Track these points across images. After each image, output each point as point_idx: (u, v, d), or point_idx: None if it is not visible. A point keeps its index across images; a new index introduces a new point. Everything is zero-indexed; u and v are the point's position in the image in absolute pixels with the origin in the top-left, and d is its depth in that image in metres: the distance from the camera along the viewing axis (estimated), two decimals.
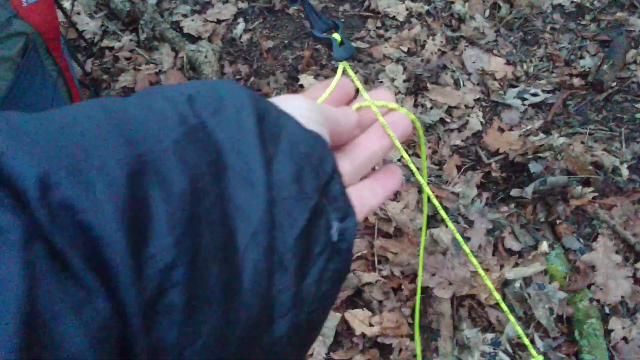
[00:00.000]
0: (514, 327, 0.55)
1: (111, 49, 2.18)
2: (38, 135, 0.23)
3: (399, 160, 1.77)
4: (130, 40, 2.21)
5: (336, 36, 0.51)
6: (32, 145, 0.23)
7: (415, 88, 1.95)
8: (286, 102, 0.36)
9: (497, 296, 0.57)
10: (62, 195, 0.22)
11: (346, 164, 0.45)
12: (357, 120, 0.43)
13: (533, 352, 0.57)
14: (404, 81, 1.96)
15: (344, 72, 0.50)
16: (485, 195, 1.70)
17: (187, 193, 0.25)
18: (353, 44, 2.12)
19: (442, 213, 0.52)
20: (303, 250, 0.29)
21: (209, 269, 0.25)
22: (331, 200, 0.32)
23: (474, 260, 0.54)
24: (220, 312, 0.26)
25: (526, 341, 0.58)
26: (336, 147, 0.41)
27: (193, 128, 0.28)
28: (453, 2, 2.25)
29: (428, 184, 1.72)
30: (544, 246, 1.58)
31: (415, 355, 1.42)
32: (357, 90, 0.48)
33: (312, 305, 0.30)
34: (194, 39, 2.20)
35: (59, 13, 1.54)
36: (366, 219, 1.65)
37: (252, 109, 0.30)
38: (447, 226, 1.60)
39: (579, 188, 1.67)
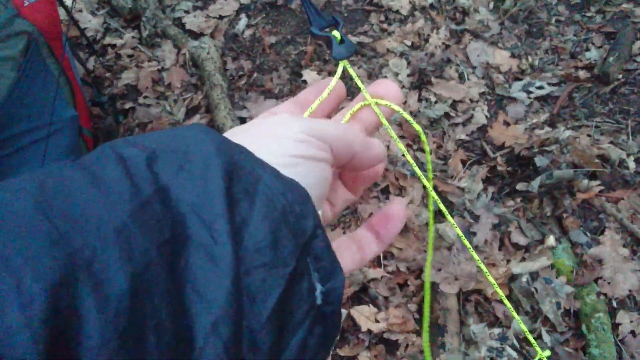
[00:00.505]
0: (519, 325, 0.54)
1: (113, 46, 2.17)
2: None
3: (402, 155, 1.76)
4: (133, 37, 2.20)
5: (336, 34, 0.49)
6: None
7: (420, 82, 1.93)
8: (269, 129, 0.34)
9: (501, 294, 0.56)
10: None
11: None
12: (383, 154, 0.40)
13: (538, 350, 0.56)
14: (408, 75, 1.95)
15: (345, 71, 0.49)
16: (491, 189, 1.69)
17: (126, 294, 0.21)
18: (356, 38, 2.10)
19: (444, 209, 0.51)
20: (280, 322, 0.26)
21: None
22: (314, 259, 0.28)
23: (476, 256, 0.53)
24: None
25: (531, 339, 0.57)
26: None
27: (147, 200, 0.24)
28: None
29: (433, 179, 1.71)
30: (551, 240, 1.56)
31: (422, 351, 1.41)
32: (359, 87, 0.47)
33: None
34: (196, 35, 2.19)
35: (61, 11, 1.53)
36: (371, 215, 1.64)
37: (222, 162, 0.27)
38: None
39: (586, 181, 1.66)
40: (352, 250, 0.41)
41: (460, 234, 0.52)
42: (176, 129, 0.30)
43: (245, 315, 0.24)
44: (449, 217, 0.51)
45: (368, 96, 0.50)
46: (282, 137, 0.33)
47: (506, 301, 0.57)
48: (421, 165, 1.75)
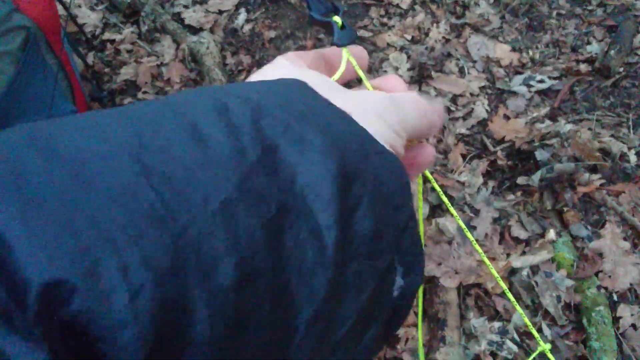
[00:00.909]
0: (522, 317, 0.54)
1: (112, 41, 2.17)
2: (51, 207, 0.17)
3: None
4: (132, 32, 2.20)
5: (337, 19, 0.49)
6: (44, 231, 0.16)
7: (420, 76, 1.93)
8: (372, 107, 0.28)
9: (504, 286, 0.56)
10: (71, 312, 0.16)
11: None
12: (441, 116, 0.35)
13: (541, 342, 0.56)
14: (408, 70, 1.94)
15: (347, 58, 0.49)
16: (491, 183, 1.69)
17: (234, 285, 0.18)
18: (357, 32, 2.10)
19: (445, 200, 0.51)
20: (365, 318, 0.24)
21: None
22: (401, 253, 0.26)
23: (479, 249, 0.53)
24: None
25: (534, 331, 0.57)
26: None
27: (254, 165, 0.20)
28: None
29: (432, 173, 1.71)
30: (551, 234, 1.56)
31: (423, 345, 1.41)
32: (360, 80, 0.46)
33: None
34: (195, 30, 2.19)
35: (59, 6, 1.53)
36: None
37: (332, 125, 0.23)
38: (452, 215, 1.59)
39: (587, 175, 1.66)
40: None
41: (464, 226, 0.52)
42: (276, 82, 0.26)
43: (340, 307, 0.22)
44: (451, 209, 0.50)
45: (369, 85, 0.49)
46: (387, 124, 0.28)
47: (509, 294, 0.57)
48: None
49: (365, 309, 0.23)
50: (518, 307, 0.53)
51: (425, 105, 0.32)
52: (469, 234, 0.51)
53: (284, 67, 0.33)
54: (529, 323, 0.59)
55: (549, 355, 0.57)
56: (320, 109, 0.24)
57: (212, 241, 0.18)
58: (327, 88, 0.30)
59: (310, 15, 0.50)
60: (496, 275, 0.54)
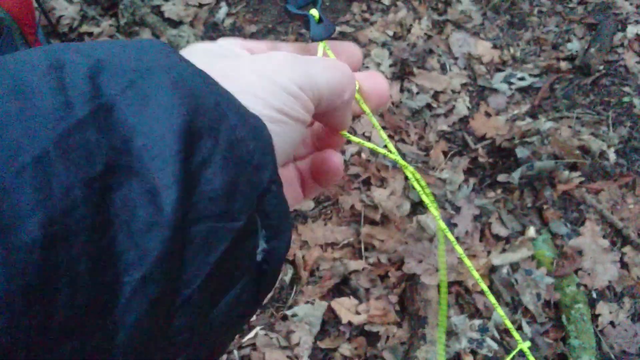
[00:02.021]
0: (500, 316, 0.53)
1: (90, 34, 2.13)
2: None
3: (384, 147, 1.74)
4: (110, 25, 2.15)
5: (314, 12, 0.47)
6: None
7: (402, 73, 1.92)
8: (259, 68, 0.29)
9: (485, 287, 0.55)
10: None
11: None
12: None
13: (519, 339, 0.55)
14: (390, 66, 1.93)
15: (325, 54, 0.47)
16: (472, 180, 1.68)
17: (37, 244, 0.17)
18: (338, 28, 2.08)
19: (426, 199, 0.50)
20: (217, 280, 0.23)
21: (61, 346, 0.18)
22: (263, 216, 0.25)
23: (460, 249, 0.52)
24: None
25: (512, 329, 0.56)
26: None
27: (80, 121, 0.19)
28: None
29: (415, 169, 1.70)
30: (531, 231, 1.57)
31: (402, 343, 1.41)
32: None
33: (217, 334, 0.25)
34: (175, 23, 2.15)
35: None
36: (352, 206, 1.63)
37: (183, 83, 0.23)
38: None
39: (566, 173, 1.66)
40: (294, 187, 0.38)
41: (444, 227, 0.51)
42: (131, 41, 0.25)
43: (183, 269, 0.21)
44: (434, 210, 0.49)
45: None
46: (273, 84, 0.28)
47: (490, 295, 0.56)
48: (403, 156, 1.74)
49: (217, 271, 0.23)
50: (499, 309, 0.52)
51: (334, 61, 0.32)
52: (449, 235, 0.50)
53: (215, 44, 0.33)
54: (509, 325, 0.58)
55: (528, 353, 0.56)
56: (174, 66, 0.23)
57: (16, 197, 0.17)
58: (223, 53, 0.30)
59: (285, 8, 0.48)
60: (477, 277, 0.53)
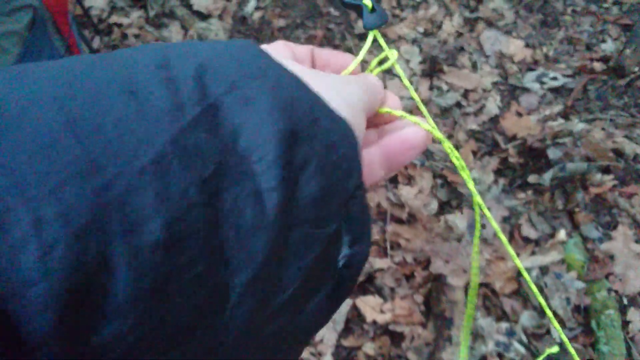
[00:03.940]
0: (543, 308, 0.51)
1: (119, 25, 2.13)
2: None
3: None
4: (139, 16, 2.16)
5: (367, 1, 0.47)
6: None
7: (431, 70, 1.89)
8: (335, 84, 0.28)
9: (526, 275, 0.53)
10: None
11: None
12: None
13: (557, 327, 0.53)
14: (420, 63, 1.91)
15: (375, 41, 0.46)
16: (501, 181, 1.66)
17: (160, 245, 0.18)
18: (387, 15, 2.07)
19: (478, 200, 0.48)
20: (307, 285, 0.23)
21: (178, 347, 0.19)
22: (348, 222, 0.25)
23: (510, 249, 0.50)
24: None
25: (554, 322, 0.54)
26: None
27: (192, 121, 0.20)
28: None
29: (443, 169, 1.68)
30: (562, 234, 1.53)
31: (427, 344, 1.39)
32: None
33: (298, 340, 0.25)
34: (204, 16, 2.15)
35: None
36: (378, 204, 1.61)
37: (282, 87, 0.23)
38: (462, 212, 1.56)
39: (599, 175, 1.63)
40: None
41: (497, 228, 0.49)
42: (230, 42, 0.25)
43: (282, 273, 0.22)
44: (486, 211, 0.47)
45: (408, 83, 0.47)
46: (350, 107, 0.28)
47: (531, 283, 0.54)
48: (431, 155, 1.72)
49: (308, 276, 0.23)
50: (540, 300, 0.50)
51: (364, 78, 0.33)
52: (501, 235, 0.48)
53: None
54: (551, 316, 0.56)
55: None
56: (271, 69, 0.24)
57: (139, 197, 0.18)
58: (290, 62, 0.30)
59: None
60: (524, 272, 0.51)
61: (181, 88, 0.20)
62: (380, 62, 0.44)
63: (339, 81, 0.30)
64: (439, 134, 0.46)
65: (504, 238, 0.47)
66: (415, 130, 0.37)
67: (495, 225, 0.47)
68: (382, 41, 0.46)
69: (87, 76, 0.20)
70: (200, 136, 0.20)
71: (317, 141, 0.23)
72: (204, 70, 0.21)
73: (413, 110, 1.78)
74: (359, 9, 0.47)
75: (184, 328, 0.19)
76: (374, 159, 0.38)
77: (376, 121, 0.38)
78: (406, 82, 0.46)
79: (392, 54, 0.44)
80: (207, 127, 0.20)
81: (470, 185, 0.47)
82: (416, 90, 1.84)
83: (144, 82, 0.20)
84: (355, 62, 0.42)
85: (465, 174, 0.46)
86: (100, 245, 0.17)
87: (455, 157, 0.47)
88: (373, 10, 0.46)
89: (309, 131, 0.23)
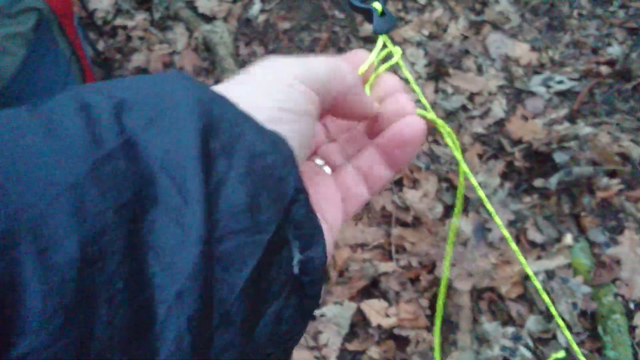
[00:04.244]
0: (552, 313, 0.51)
1: (124, 27, 2.13)
2: None
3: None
4: (144, 19, 2.16)
5: (377, 5, 0.46)
6: None
7: (437, 73, 1.89)
8: (264, 76, 0.30)
9: (535, 280, 0.53)
10: None
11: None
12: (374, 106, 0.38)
13: (566, 333, 0.53)
14: (425, 66, 1.90)
15: (384, 46, 0.46)
16: (507, 185, 1.65)
17: (75, 262, 0.19)
18: (396, 19, 2.06)
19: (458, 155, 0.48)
20: (255, 294, 0.24)
21: None
22: (293, 226, 0.26)
23: (519, 253, 0.50)
24: None
25: (561, 322, 0.54)
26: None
27: (108, 155, 0.21)
28: None
29: (448, 172, 1.68)
30: (568, 239, 1.53)
31: (432, 348, 1.38)
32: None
33: (265, 353, 0.25)
34: (208, 19, 2.15)
35: None
36: (383, 207, 1.61)
37: (199, 114, 0.24)
38: (468, 216, 1.55)
39: (605, 179, 1.62)
40: (335, 201, 0.37)
41: (507, 234, 0.49)
42: (151, 76, 0.26)
43: (217, 286, 0.22)
44: (496, 218, 0.47)
45: (416, 87, 0.46)
46: (276, 84, 0.29)
47: (543, 294, 0.53)
48: (437, 158, 1.71)
49: (252, 285, 0.23)
50: (557, 316, 0.50)
51: (335, 60, 0.34)
52: (512, 244, 0.47)
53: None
54: (556, 315, 0.55)
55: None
56: (191, 96, 0.25)
57: (54, 220, 0.19)
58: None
59: (350, 1, 0.47)
60: (531, 275, 0.50)
61: (99, 125, 0.22)
62: (384, 60, 0.44)
63: (283, 63, 0.31)
64: (432, 116, 0.46)
65: (513, 245, 0.46)
66: (408, 122, 0.37)
67: (504, 231, 0.47)
68: (390, 45, 0.46)
69: (8, 119, 0.21)
70: (118, 165, 0.21)
71: (239, 154, 0.24)
72: (122, 109, 0.23)
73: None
74: (368, 13, 0.46)
75: (108, 347, 0.19)
76: (374, 160, 0.38)
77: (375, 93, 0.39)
78: (415, 87, 0.46)
79: (396, 52, 0.44)
80: (126, 158, 0.21)
81: (459, 159, 0.47)
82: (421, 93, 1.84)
83: (62, 122, 0.22)
84: (364, 65, 0.42)
85: (458, 154, 0.47)
86: (10, 265, 0.18)
87: (446, 132, 0.47)
88: (382, 14, 0.46)
89: (227, 146, 0.24)
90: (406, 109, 0.38)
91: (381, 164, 0.38)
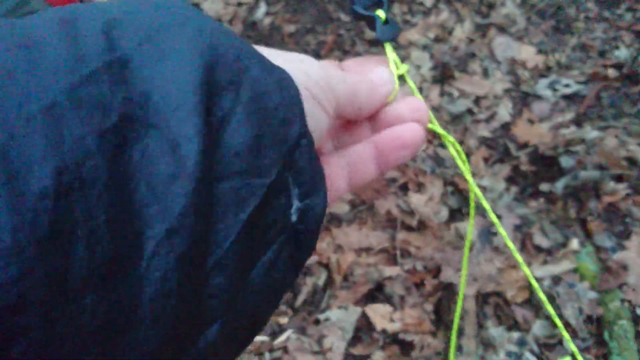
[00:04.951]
0: (552, 316, 0.50)
1: None
2: None
3: (422, 150, 1.71)
4: None
5: (380, 13, 0.46)
6: None
7: (442, 76, 1.88)
8: (292, 56, 0.29)
9: (534, 283, 0.52)
10: None
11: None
12: (388, 90, 0.36)
13: (567, 336, 0.52)
14: (430, 69, 1.90)
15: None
16: (513, 189, 1.64)
17: (49, 192, 0.17)
18: (400, 27, 2.05)
19: (487, 207, 0.47)
20: (251, 239, 0.23)
21: (80, 299, 0.18)
22: (294, 173, 0.25)
23: (517, 255, 0.49)
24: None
25: (564, 331, 0.53)
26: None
27: (92, 73, 0.19)
28: None
29: (454, 176, 1.67)
30: (575, 244, 1.51)
31: (438, 353, 1.37)
32: None
33: (256, 301, 0.24)
34: None
35: None
36: (388, 211, 1.60)
37: (204, 40, 0.22)
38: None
39: (612, 184, 1.61)
40: (341, 167, 0.36)
41: (505, 236, 0.48)
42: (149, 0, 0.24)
43: (212, 228, 0.21)
44: (469, 177, 0.47)
45: (419, 95, 0.46)
46: (304, 74, 0.28)
47: (542, 296, 0.53)
48: (442, 161, 1.71)
49: (249, 230, 0.22)
50: (556, 319, 0.49)
51: (354, 77, 0.33)
52: (517, 256, 0.47)
53: None
54: (565, 331, 0.55)
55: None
56: (192, 19, 0.23)
57: (25, 145, 0.17)
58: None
59: (352, 8, 0.47)
60: (534, 284, 0.50)
61: (84, 42, 0.20)
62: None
63: (309, 60, 0.30)
64: (443, 131, 0.46)
65: (517, 255, 0.46)
66: (411, 128, 0.37)
67: (508, 242, 0.46)
68: (394, 54, 0.46)
69: None
70: (102, 88, 0.19)
71: (244, 90, 0.22)
72: (114, 25, 0.21)
73: None
74: (371, 21, 0.46)
75: (87, 281, 0.18)
76: (366, 155, 0.37)
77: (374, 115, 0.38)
78: (418, 96, 0.45)
79: (404, 68, 0.44)
80: (112, 79, 0.19)
81: (470, 182, 0.47)
82: (427, 97, 1.83)
83: (42, 36, 0.19)
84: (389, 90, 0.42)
85: (443, 135, 0.46)
86: None
87: (456, 150, 0.47)
88: (386, 22, 0.45)
89: (234, 79, 0.22)
90: (420, 112, 0.37)
91: (371, 162, 0.37)
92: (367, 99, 0.34)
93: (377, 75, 0.37)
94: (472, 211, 0.53)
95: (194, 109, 0.20)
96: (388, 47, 0.45)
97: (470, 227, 0.54)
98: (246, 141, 0.22)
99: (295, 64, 0.28)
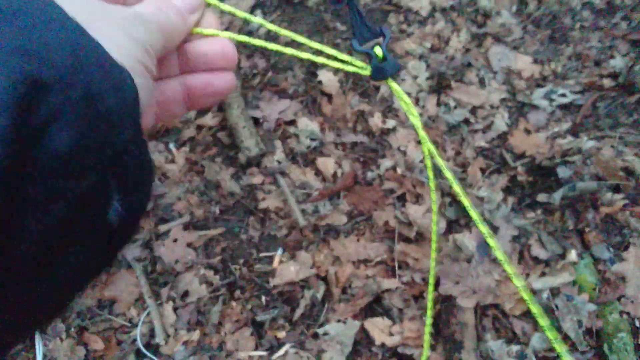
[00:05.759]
0: (544, 329, 0.49)
1: None
2: None
3: (420, 162, 1.70)
4: None
5: (377, 51, 0.45)
6: None
7: (439, 86, 1.88)
8: (119, 21, 0.28)
9: (525, 294, 0.52)
10: None
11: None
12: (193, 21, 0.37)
13: (559, 349, 0.52)
14: (427, 79, 1.89)
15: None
16: (510, 200, 1.64)
17: None
18: (400, 64, 2.05)
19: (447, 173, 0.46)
20: (61, 238, 0.23)
21: None
22: (119, 177, 0.25)
23: (508, 268, 0.48)
24: None
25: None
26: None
27: None
28: None
29: (451, 187, 1.66)
30: (573, 255, 1.51)
31: None
32: None
33: (60, 285, 0.25)
34: None
35: None
36: (386, 223, 1.59)
37: (31, 33, 0.22)
38: (471, 232, 1.54)
39: (609, 194, 1.61)
40: (177, 101, 0.37)
41: (496, 246, 0.47)
42: None
43: (21, 224, 0.20)
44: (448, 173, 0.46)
45: (414, 111, 0.45)
46: (133, 40, 0.28)
47: (534, 309, 0.53)
48: (439, 173, 1.70)
49: (57, 230, 0.22)
50: (547, 331, 0.49)
51: (163, 16, 0.32)
52: (509, 269, 0.46)
53: None
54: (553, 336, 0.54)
55: None
56: (24, 12, 0.22)
57: None
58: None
59: (351, 44, 0.47)
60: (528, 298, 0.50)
61: None
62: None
63: (132, 20, 0.29)
64: (421, 132, 0.45)
65: (500, 256, 0.45)
66: (223, 77, 0.38)
67: (498, 253, 0.46)
68: (395, 90, 0.45)
69: None
70: None
71: (75, 90, 0.21)
72: None
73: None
74: (369, 57, 0.45)
75: None
76: (175, 95, 0.37)
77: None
78: (413, 111, 0.45)
79: (414, 118, 0.43)
80: None
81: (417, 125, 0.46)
82: (423, 107, 1.82)
83: None
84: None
85: (416, 120, 0.46)
86: None
87: (402, 100, 0.46)
88: (384, 59, 0.44)
89: (63, 79, 0.21)
90: (231, 60, 0.39)
91: (180, 101, 0.37)
92: (179, 35, 0.35)
93: (184, 3, 0.37)
94: (431, 183, 0.54)
95: (7, 107, 0.19)
96: (389, 84, 0.45)
97: (433, 205, 0.53)
98: (69, 144, 0.21)
99: (127, 30, 0.28)
